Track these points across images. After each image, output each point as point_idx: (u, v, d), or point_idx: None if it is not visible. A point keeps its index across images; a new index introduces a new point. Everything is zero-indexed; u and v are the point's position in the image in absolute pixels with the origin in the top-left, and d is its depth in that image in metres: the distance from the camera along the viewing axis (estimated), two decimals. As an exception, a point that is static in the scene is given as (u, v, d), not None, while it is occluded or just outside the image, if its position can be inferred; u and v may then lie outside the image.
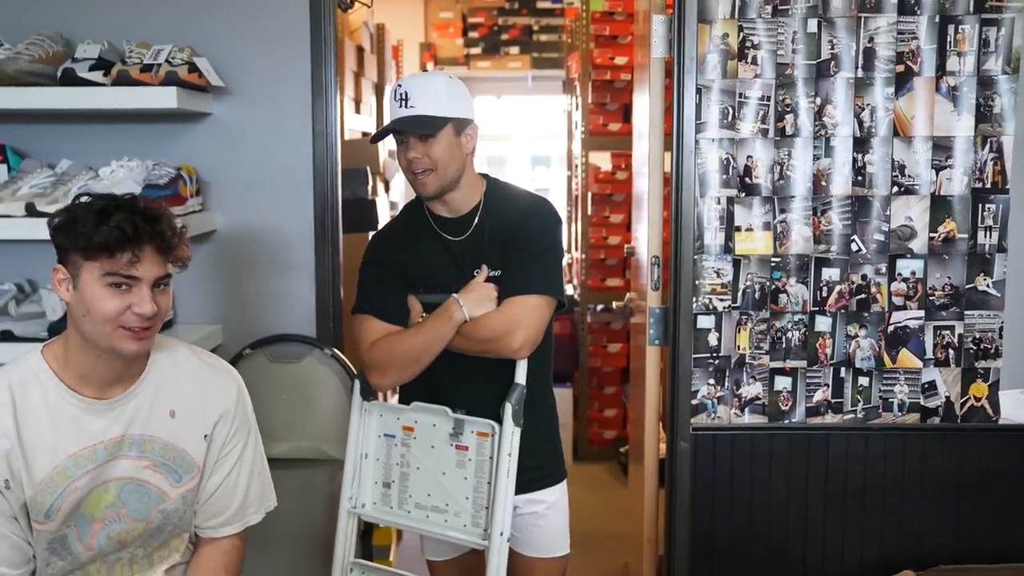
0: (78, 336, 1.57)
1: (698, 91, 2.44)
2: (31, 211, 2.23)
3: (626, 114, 4.58)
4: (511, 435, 1.90)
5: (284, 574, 2.50)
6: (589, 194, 4.68)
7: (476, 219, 2.01)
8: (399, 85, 1.96)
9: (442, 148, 1.94)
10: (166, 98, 2.23)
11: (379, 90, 4.65)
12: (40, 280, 2.45)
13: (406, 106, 1.94)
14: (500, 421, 1.91)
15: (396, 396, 4.53)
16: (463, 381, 1.99)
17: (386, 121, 2.01)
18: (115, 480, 1.63)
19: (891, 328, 2.51)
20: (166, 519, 1.69)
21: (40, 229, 2.22)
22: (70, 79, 2.24)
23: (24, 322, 2.28)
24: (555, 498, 2.09)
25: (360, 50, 4.14)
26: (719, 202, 2.47)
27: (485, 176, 2.08)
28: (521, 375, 1.93)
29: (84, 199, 1.57)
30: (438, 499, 1.99)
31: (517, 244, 1.96)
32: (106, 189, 2.13)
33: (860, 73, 2.43)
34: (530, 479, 2.02)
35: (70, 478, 1.58)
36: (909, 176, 2.46)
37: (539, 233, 1.98)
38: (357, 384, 2.07)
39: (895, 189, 2.46)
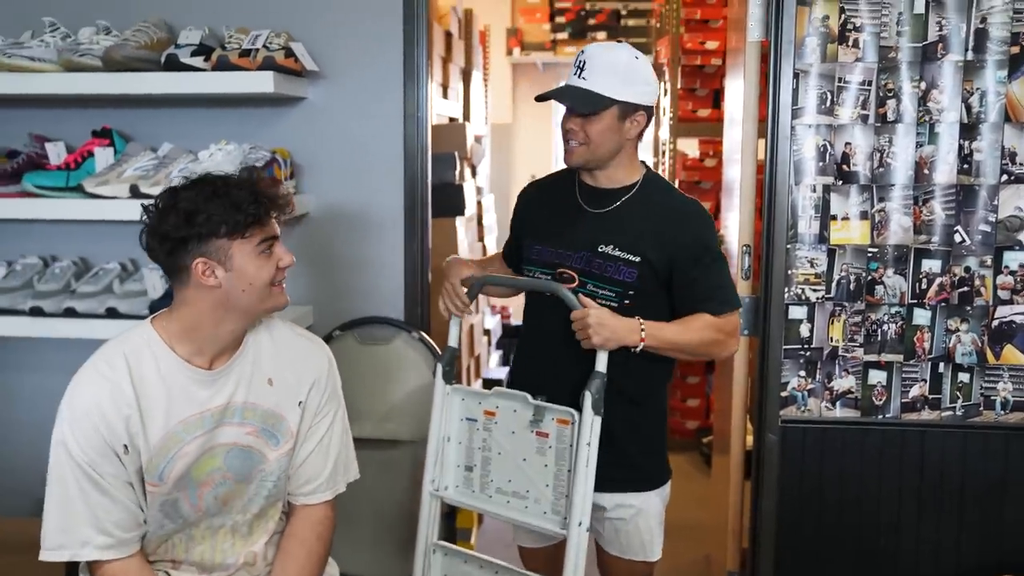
0: (219, 311, 1.64)
1: (795, 75, 2.37)
2: (135, 193, 2.32)
3: (716, 100, 4.49)
4: (591, 424, 1.85)
5: (368, 552, 2.55)
6: (677, 181, 4.60)
7: (622, 199, 1.96)
8: (583, 51, 1.92)
9: (600, 128, 1.90)
10: (263, 82, 2.28)
11: (466, 75, 4.67)
12: (141, 259, 2.54)
13: (580, 76, 1.90)
14: (580, 409, 1.88)
15: (479, 381, 4.56)
16: (562, 371, 1.96)
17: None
18: (221, 446, 1.70)
19: (996, 323, 2.40)
20: (264, 480, 1.75)
21: (144, 210, 2.32)
22: (173, 64, 2.31)
23: (129, 300, 2.37)
24: (647, 504, 2.03)
25: (448, 35, 4.16)
26: (815, 190, 2.40)
27: (645, 165, 2.02)
28: (602, 364, 1.88)
29: (161, 198, 1.62)
30: (519, 485, 1.98)
31: (703, 252, 1.93)
32: (205, 172, 2.19)
33: (970, 55, 2.32)
34: (623, 478, 1.98)
35: (180, 442, 1.65)
36: (1020, 164, 2.34)
37: (714, 240, 1.97)
38: (439, 368, 2.08)
39: (1004, 177, 2.35)
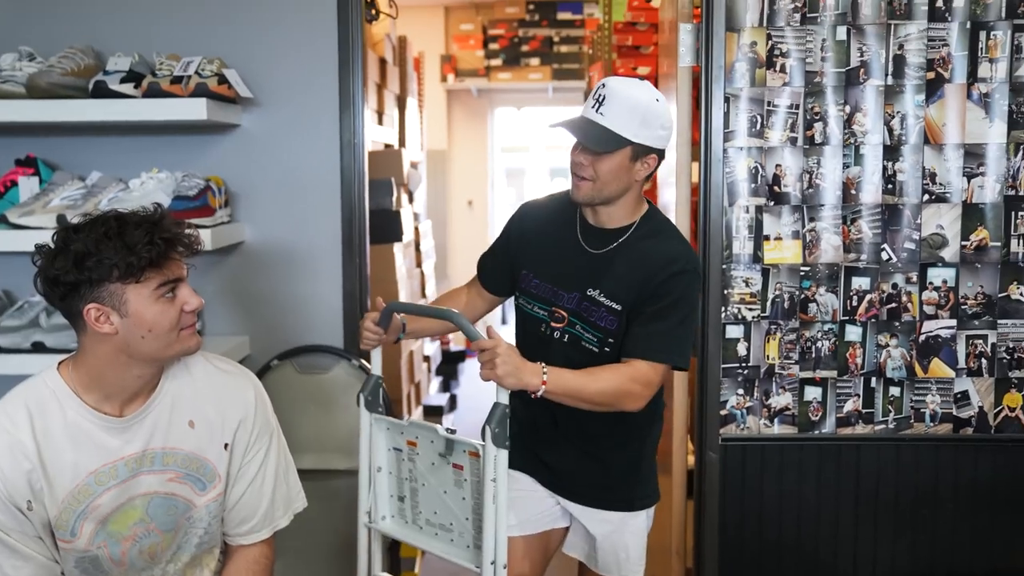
0: (122, 358, 1.55)
1: (726, 100, 2.43)
2: (62, 223, 2.24)
3: (648, 124, 4.56)
4: (493, 459, 1.75)
5: (311, 585, 2.50)
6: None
7: (616, 242, 1.92)
8: (602, 84, 1.85)
9: (611, 167, 1.84)
10: (196, 110, 2.24)
11: (401, 102, 4.67)
12: (70, 291, 2.46)
13: (598, 110, 1.83)
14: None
15: (420, 408, 4.50)
16: (555, 405, 1.88)
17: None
18: (141, 496, 1.62)
19: (923, 337, 2.48)
20: (193, 527, 1.68)
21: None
22: (102, 91, 2.26)
23: (56, 333, 2.29)
24: (626, 523, 2.02)
25: (383, 62, 4.16)
26: (748, 211, 2.46)
27: (650, 205, 1.98)
28: (503, 395, 1.77)
29: (54, 239, 1.53)
30: (444, 517, 1.91)
31: (657, 299, 1.85)
32: (136, 201, 2.14)
33: (890, 80, 2.41)
34: (604, 497, 1.98)
35: (92, 495, 1.57)
36: (940, 184, 2.43)
37: (686, 293, 1.88)
38: (362, 397, 1.98)
39: (926, 197, 2.44)
